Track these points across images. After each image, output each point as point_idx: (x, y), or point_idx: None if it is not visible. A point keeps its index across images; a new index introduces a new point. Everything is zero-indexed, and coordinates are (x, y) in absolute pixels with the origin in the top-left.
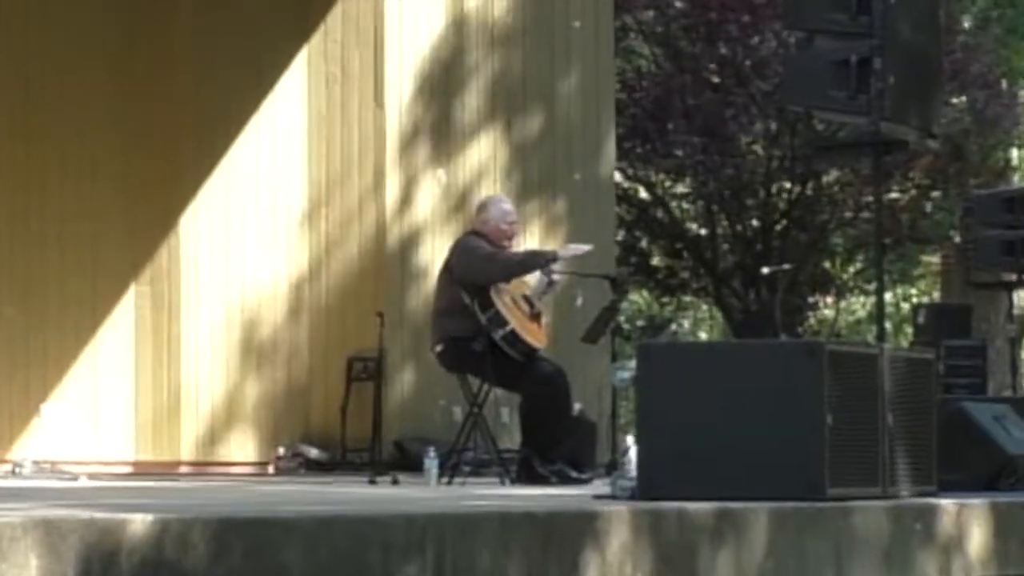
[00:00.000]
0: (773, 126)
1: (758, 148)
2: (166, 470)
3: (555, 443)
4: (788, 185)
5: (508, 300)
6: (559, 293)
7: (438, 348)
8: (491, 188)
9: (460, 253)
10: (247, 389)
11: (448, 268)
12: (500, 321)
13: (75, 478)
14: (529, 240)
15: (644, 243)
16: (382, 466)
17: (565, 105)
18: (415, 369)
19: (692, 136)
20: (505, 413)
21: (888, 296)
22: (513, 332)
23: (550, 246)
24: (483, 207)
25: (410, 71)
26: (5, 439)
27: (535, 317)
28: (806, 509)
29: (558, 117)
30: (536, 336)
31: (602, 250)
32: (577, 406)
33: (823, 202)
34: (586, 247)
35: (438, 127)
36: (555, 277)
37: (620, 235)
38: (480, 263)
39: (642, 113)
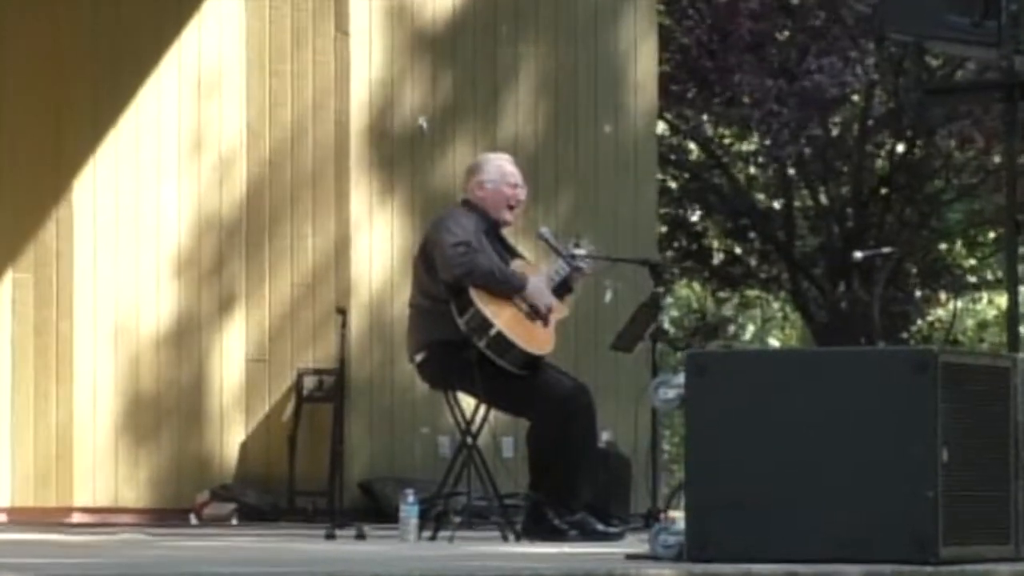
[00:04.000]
0: (871, 63)
1: (851, 93)
2: (54, 519)
3: (575, 485)
4: (890, 142)
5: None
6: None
7: (418, 357)
8: (489, 144)
9: (434, 233)
10: (162, 412)
11: (425, 251)
12: (482, 323)
13: None
14: (545, 219)
15: (696, 218)
16: (343, 515)
17: (590, 33)
18: (388, 385)
19: (763, 77)
20: (508, 445)
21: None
22: (500, 336)
23: (566, 224)
24: (477, 168)
25: None
26: None
27: (537, 314)
28: (912, 575)
29: (581, 49)
30: (537, 340)
31: (641, 228)
32: (605, 436)
33: (936, 164)
34: (562, 309)
35: (420, 62)
36: (580, 263)
37: (665, 207)
38: (449, 255)
39: (695, 45)
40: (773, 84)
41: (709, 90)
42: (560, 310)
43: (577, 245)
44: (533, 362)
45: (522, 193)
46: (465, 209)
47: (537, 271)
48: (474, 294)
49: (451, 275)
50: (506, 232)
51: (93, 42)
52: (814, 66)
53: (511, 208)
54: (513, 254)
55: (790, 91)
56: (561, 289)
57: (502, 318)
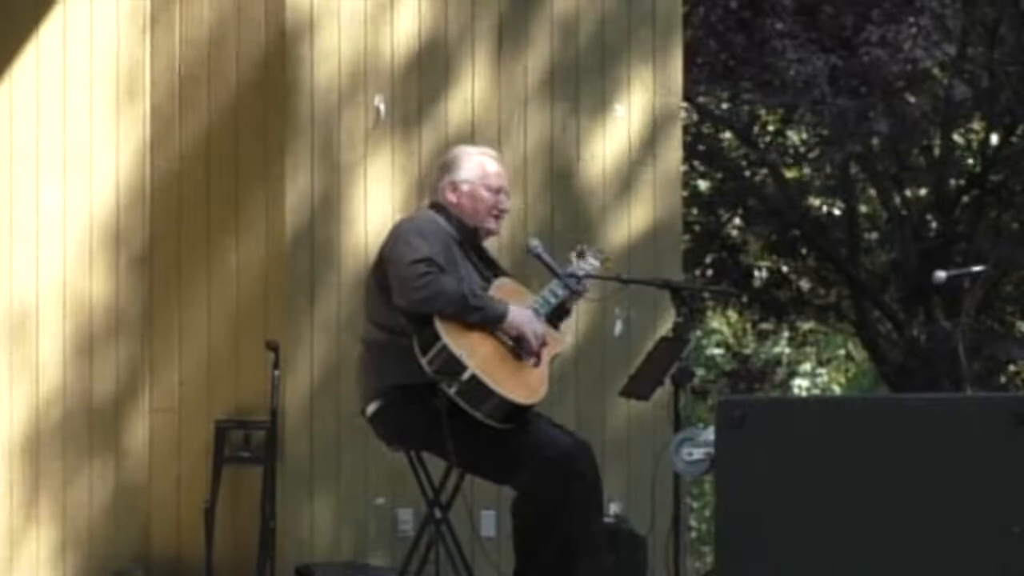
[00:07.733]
0: (954, 29)
1: (930, 66)
2: None
3: (573, 570)
4: (980, 129)
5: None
6: (581, 309)
7: (371, 408)
8: (465, 130)
9: (391, 246)
10: (41, 477)
11: (379, 269)
12: (452, 364)
13: None
14: (537, 229)
15: (732, 227)
16: None
17: None
18: (333, 442)
19: (812, 47)
20: (489, 520)
21: None
22: (475, 381)
23: (564, 236)
24: (450, 164)
25: None
26: None
27: (527, 350)
28: None
29: (584, 10)
30: (525, 384)
31: (661, 239)
32: (613, 508)
33: None
34: (559, 342)
35: (376, 18)
36: (579, 286)
37: (692, 213)
38: (405, 276)
39: (726, 11)
40: (824, 61)
41: (744, 63)
42: (556, 343)
43: (582, 255)
44: (519, 413)
45: (506, 200)
46: (434, 213)
47: (524, 295)
48: (440, 326)
49: (408, 300)
50: (488, 243)
51: None
52: (875, 37)
53: (495, 216)
54: (496, 271)
55: (844, 70)
56: (555, 315)
57: (478, 356)
